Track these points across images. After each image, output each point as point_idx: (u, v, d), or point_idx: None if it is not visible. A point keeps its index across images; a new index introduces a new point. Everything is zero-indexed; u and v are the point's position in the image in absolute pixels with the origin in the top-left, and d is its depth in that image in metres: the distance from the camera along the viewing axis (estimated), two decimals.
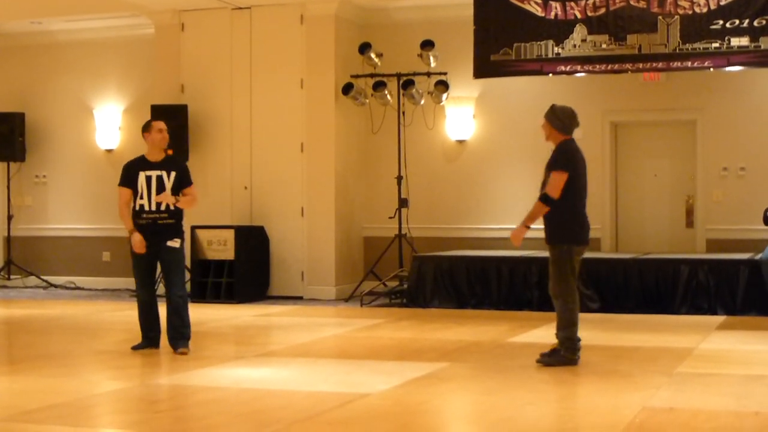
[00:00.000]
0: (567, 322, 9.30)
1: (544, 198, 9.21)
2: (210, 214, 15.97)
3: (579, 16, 14.22)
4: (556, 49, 14.31)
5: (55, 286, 17.67)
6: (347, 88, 15.45)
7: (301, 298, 15.62)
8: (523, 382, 8.64)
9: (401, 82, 15.47)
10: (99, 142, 17.73)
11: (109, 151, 17.73)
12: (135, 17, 17.02)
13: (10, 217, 17.80)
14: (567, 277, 9.34)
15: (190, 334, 10.42)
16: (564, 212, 9.28)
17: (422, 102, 15.64)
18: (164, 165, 10.36)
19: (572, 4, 14.23)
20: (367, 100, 15.69)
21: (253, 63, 16.00)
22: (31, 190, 18.14)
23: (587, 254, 14.32)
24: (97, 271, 17.72)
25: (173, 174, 10.31)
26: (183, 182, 10.39)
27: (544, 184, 9.38)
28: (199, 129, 16.13)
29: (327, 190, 15.67)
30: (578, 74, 14.57)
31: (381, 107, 15.81)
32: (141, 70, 17.40)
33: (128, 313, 14.05)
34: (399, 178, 15.53)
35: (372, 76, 15.61)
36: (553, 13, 14.31)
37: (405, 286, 14.81)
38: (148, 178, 10.26)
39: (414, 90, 15.38)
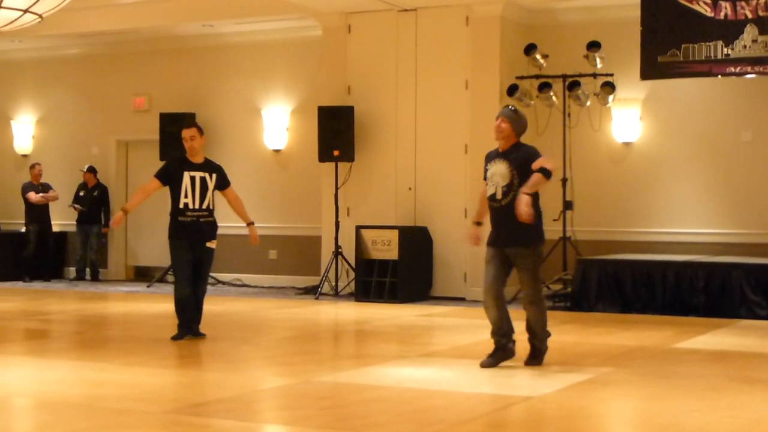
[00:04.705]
0: (546, 324, 9.35)
1: (546, 172, 8.92)
2: (374, 214, 16.12)
3: (750, 16, 13.91)
4: (725, 50, 14.02)
5: (223, 283, 18.05)
6: (512, 90, 15.40)
7: (463, 299, 15.62)
8: (688, 388, 8.50)
9: (567, 83, 15.37)
10: (267, 142, 18.05)
11: (276, 151, 18.04)
12: (303, 19, 17.27)
13: None
14: (540, 279, 9.36)
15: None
16: (538, 211, 9.14)
17: (588, 103, 15.51)
18: (206, 167, 11.02)
19: (743, 3, 13.92)
20: (533, 102, 15.62)
21: (419, 64, 16.08)
22: None
23: (759, 260, 14.08)
24: (263, 268, 18.04)
25: (214, 176, 10.99)
26: (223, 183, 11.12)
27: (510, 184, 9.10)
28: (364, 130, 16.28)
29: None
30: (748, 76, 14.24)
31: (546, 108, 15.72)
32: (308, 72, 17.65)
33: (294, 310, 14.30)
34: (564, 180, 15.42)
35: (537, 77, 15.54)
36: (722, 13, 14.02)
37: (569, 289, 14.69)
38: (193, 179, 10.87)
39: (580, 91, 15.26)
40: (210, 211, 10.93)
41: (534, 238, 9.18)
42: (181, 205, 10.79)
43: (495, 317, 9.20)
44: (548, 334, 9.38)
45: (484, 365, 9.14)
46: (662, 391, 8.33)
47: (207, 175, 10.90)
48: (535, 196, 9.01)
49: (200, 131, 10.98)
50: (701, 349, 10.63)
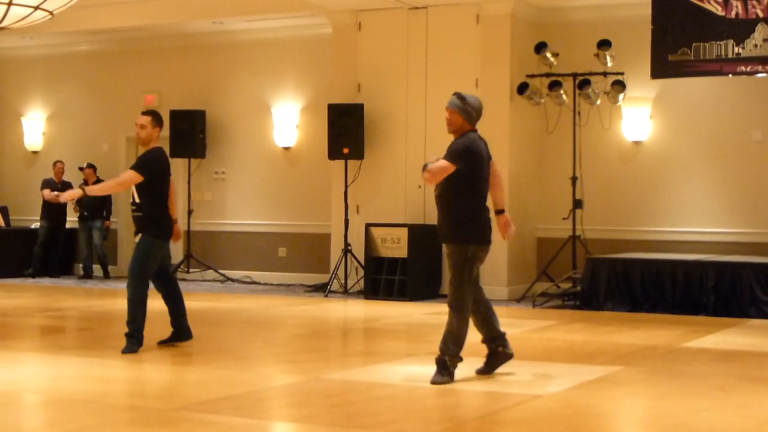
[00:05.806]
0: (454, 340, 8.44)
1: (425, 167, 8.44)
2: (384, 212, 16.12)
3: (761, 14, 13.87)
4: (736, 49, 13.98)
5: (232, 280, 18.06)
6: (522, 88, 15.39)
7: None
8: (697, 387, 8.49)
9: (577, 81, 15.34)
10: (277, 139, 18.05)
11: (286, 148, 18.04)
12: (313, 17, 17.27)
13: (190, 212, 18.21)
14: (465, 285, 8.43)
15: (132, 332, 9.93)
16: (467, 210, 8.53)
17: (598, 102, 15.49)
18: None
19: (754, 2, 13.89)
20: (543, 100, 15.61)
21: (429, 62, 16.06)
22: (210, 186, 18.58)
23: None
24: (272, 266, 18.04)
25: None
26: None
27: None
28: (374, 128, 16.27)
29: None
30: (759, 75, 14.19)
31: (556, 107, 15.71)
32: (318, 69, 17.65)
33: (303, 308, 14.30)
34: (574, 179, 15.40)
35: (548, 75, 15.52)
36: (733, 12, 13.99)
37: (578, 288, 14.68)
38: None
39: (590, 90, 15.24)
40: (138, 206, 9.94)
41: (458, 236, 8.48)
42: None
43: (475, 323, 8.74)
44: (455, 352, 8.49)
45: (479, 372, 8.79)
46: (671, 391, 8.32)
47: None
48: (469, 198, 8.51)
49: (155, 121, 10.01)
50: (711, 349, 10.61)
